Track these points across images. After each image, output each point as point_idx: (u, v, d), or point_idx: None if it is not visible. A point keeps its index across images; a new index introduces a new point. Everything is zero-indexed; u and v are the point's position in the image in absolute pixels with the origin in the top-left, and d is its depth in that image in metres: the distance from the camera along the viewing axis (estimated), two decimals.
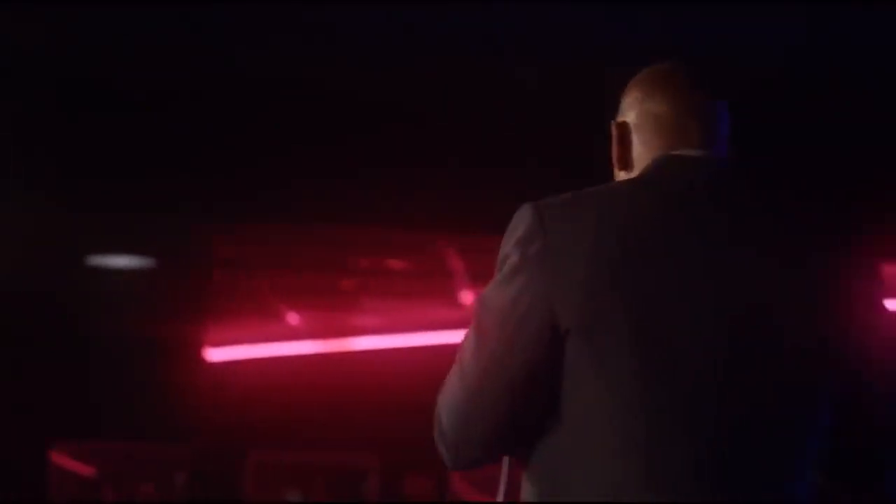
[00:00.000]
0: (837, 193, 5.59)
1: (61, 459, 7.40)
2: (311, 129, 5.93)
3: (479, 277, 6.89)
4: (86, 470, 7.46)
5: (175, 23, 5.44)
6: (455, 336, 7.37)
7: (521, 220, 2.09)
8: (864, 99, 5.60)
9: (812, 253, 2.10)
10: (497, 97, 5.70)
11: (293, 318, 7.42)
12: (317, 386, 7.25)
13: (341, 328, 7.46)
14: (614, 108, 2.29)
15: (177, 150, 6.01)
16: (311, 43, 5.55)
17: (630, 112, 2.24)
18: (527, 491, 2.09)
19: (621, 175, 2.25)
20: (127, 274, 7.02)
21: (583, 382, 1.99)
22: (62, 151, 6.08)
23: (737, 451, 1.99)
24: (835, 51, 5.37)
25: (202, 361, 7.38)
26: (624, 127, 2.24)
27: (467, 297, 7.07)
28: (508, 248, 2.09)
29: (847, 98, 5.58)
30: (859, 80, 5.53)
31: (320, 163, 5.98)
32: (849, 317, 2.07)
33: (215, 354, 7.42)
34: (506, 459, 2.14)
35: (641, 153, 2.22)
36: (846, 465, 2.12)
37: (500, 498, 2.20)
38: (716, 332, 2.00)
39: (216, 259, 6.92)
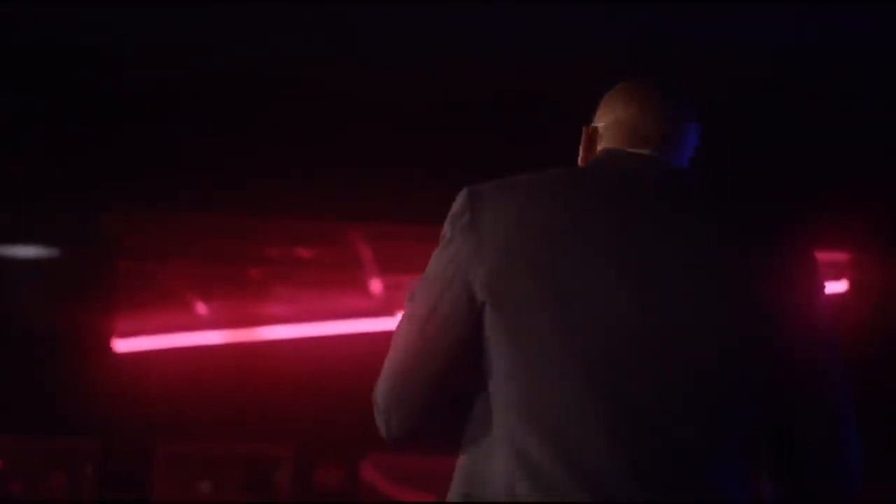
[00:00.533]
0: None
1: None
2: (219, 116, 5.90)
3: (387, 266, 6.90)
4: None
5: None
6: (365, 324, 7.40)
7: (457, 200, 2.19)
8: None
9: (743, 247, 2.15)
10: (403, 82, 5.71)
11: (202, 308, 7.39)
12: (227, 376, 7.23)
13: (251, 318, 7.44)
14: (587, 113, 2.39)
15: (81, 138, 5.96)
16: (225, 30, 5.53)
17: (602, 119, 2.33)
18: (460, 459, 2.15)
19: None
20: (31, 264, 6.95)
21: (496, 356, 2.08)
22: None
23: (649, 433, 2.03)
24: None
25: (110, 352, 7.33)
26: (593, 131, 2.33)
27: (376, 285, 7.08)
28: (446, 224, 2.20)
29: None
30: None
31: (229, 151, 5.96)
32: (776, 308, 2.12)
33: (123, 345, 7.38)
34: None
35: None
36: (776, 457, 2.16)
37: None
38: (629, 315, 2.06)
39: (122, 248, 6.87)
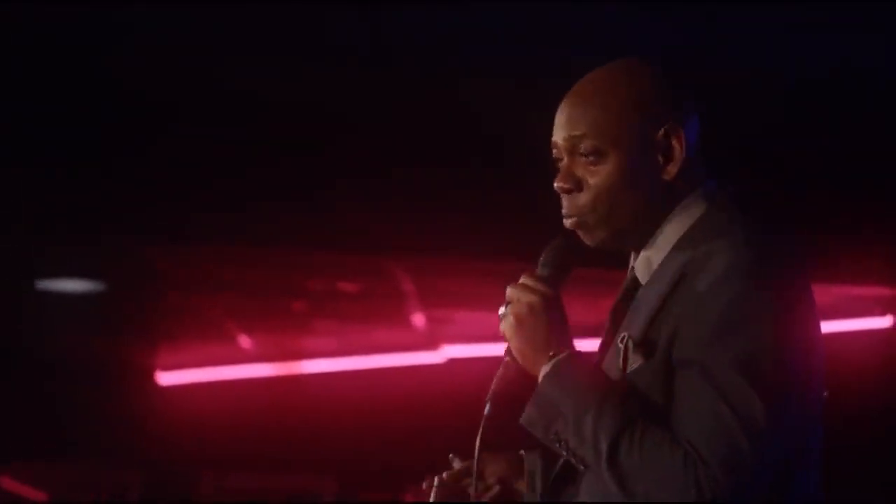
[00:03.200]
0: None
1: (11, 485, 7.36)
2: (263, 149, 5.93)
3: (429, 299, 6.91)
4: (37, 495, 7.42)
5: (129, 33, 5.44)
6: (407, 358, 7.40)
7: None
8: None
9: None
10: (453, 116, 5.72)
11: (245, 341, 7.42)
12: (270, 409, 7.25)
13: (294, 351, 7.46)
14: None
15: (127, 170, 6.00)
16: (269, 59, 5.56)
17: (684, 119, 2.19)
18: None
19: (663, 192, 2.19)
20: (77, 297, 6.99)
21: None
22: (7, 173, 6.05)
23: None
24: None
25: (154, 385, 7.36)
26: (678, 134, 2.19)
27: (419, 319, 7.09)
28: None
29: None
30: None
31: (273, 185, 5.98)
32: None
33: (167, 378, 7.41)
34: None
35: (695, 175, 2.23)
36: None
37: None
38: None
39: (166, 282, 6.90)
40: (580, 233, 2.20)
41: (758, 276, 2.04)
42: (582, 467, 2.07)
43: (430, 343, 7.24)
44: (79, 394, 7.14)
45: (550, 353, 2.09)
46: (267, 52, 5.50)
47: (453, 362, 7.14)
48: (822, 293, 6.59)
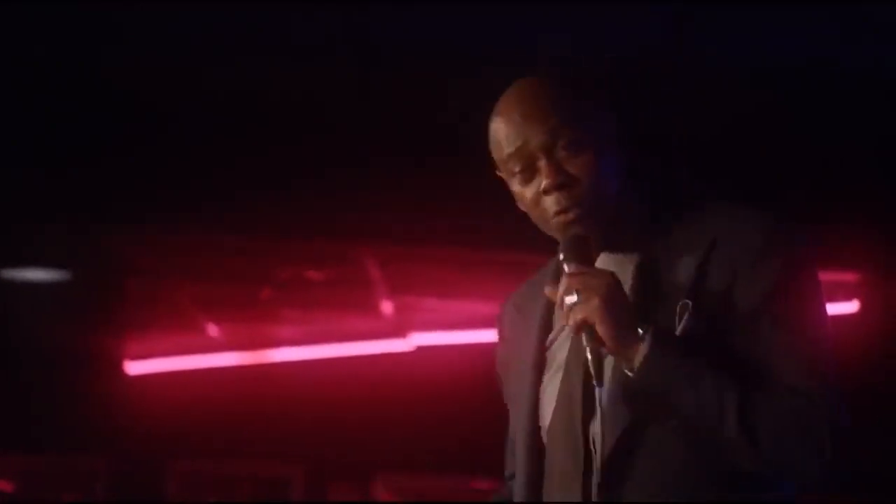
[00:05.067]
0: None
1: None
2: (229, 137, 5.92)
3: (398, 287, 6.91)
4: (3, 485, 7.39)
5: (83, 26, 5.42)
6: (375, 346, 7.40)
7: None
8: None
9: None
10: (417, 105, 5.73)
11: (213, 330, 7.40)
12: (238, 397, 7.24)
13: (261, 339, 7.45)
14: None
15: (91, 158, 5.98)
16: (233, 51, 5.54)
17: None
18: None
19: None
20: (43, 286, 6.97)
21: None
22: None
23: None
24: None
25: (122, 374, 7.34)
26: None
27: (387, 307, 7.10)
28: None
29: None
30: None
31: (240, 172, 5.97)
32: None
33: (135, 367, 7.39)
34: None
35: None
36: None
37: None
38: None
39: (133, 270, 6.88)
40: (575, 226, 2.18)
41: (804, 239, 2.20)
42: (695, 436, 2.07)
43: (399, 331, 7.25)
44: (46, 383, 7.12)
45: (639, 330, 2.08)
46: (239, 46, 5.49)
47: (422, 350, 7.14)
48: None
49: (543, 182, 2.16)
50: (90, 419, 7.14)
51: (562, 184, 2.16)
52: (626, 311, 2.09)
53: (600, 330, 2.08)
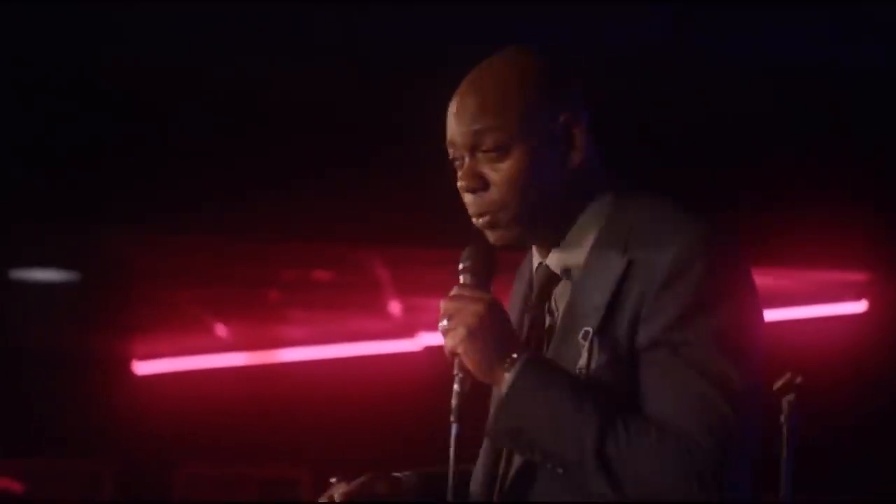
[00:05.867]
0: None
1: None
2: (236, 140, 5.93)
3: (405, 288, 6.91)
4: (13, 486, 7.40)
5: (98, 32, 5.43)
6: (383, 346, 7.41)
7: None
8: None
9: None
10: (424, 107, 5.73)
11: (221, 331, 7.41)
12: (245, 398, 7.25)
13: (269, 340, 7.46)
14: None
15: (100, 161, 5.99)
16: (236, 52, 5.55)
17: (577, 106, 2.13)
18: None
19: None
20: (53, 287, 6.98)
21: None
22: None
23: None
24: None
25: (130, 374, 7.35)
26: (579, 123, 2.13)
27: (395, 307, 7.10)
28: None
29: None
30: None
31: (248, 175, 5.98)
32: None
33: (143, 367, 7.40)
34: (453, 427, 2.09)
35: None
36: None
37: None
38: None
39: (142, 272, 6.89)
40: (490, 232, 2.12)
41: (718, 260, 2.01)
42: (560, 471, 1.98)
43: (407, 331, 7.25)
44: (54, 384, 7.12)
45: (508, 360, 2.00)
46: (241, 48, 5.50)
47: (430, 350, 7.15)
48: (798, 279, 6.63)
49: (458, 181, 2.13)
50: (98, 419, 7.15)
51: (473, 188, 2.10)
52: (495, 341, 2.01)
53: (465, 361, 2.02)
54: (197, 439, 7.24)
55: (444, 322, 2.05)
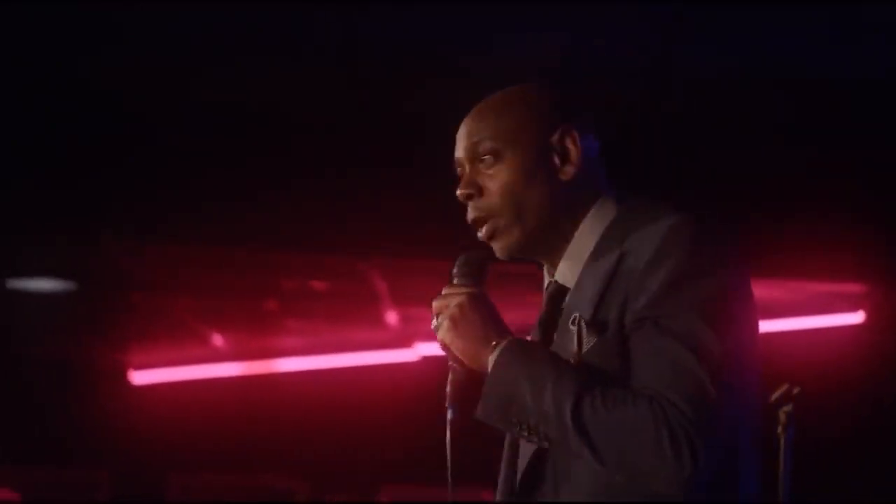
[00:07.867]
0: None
1: None
2: (233, 150, 5.93)
3: (402, 298, 6.91)
4: (9, 496, 7.39)
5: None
6: (379, 356, 7.40)
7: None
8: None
9: None
10: (424, 117, 5.73)
11: (217, 341, 7.41)
12: (241, 408, 7.24)
13: (266, 350, 7.45)
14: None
15: (97, 171, 5.99)
16: (233, 63, 5.55)
17: (582, 128, 2.25)
18: None
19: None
20: (48, 297, 6.97)
21: None
22: None
23: None
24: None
25: (126, 384, 7.34)
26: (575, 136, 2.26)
27: (392, 317, 7.09)
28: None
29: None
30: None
31: (245, 185, 5.98)
32: None
33: (139, 377, 7.39)
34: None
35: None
36: None
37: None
38: None
39: (138, 282, 6.89)
40: (494, 242, 2.24)
41: (699, 239, 2.11)
42: (546, 444, 2.06)
43: (404, 341, 7.24)
44: (51, 393, 7.11)
45: (493, 344, 2.12)
46: (236, 55, 5.50)
47: (427, 360, 7.14)
48: (795, 290, 6.63)
49: (457, 191, 2.26)
50: (95, 428, 7.14)
51: (469, 194, 2.24)
52: (479, 328, 2.15)
53: (454, 349, 2.17)
54: (193, 449, 7.22)
55: (435, 320, 2.21)
